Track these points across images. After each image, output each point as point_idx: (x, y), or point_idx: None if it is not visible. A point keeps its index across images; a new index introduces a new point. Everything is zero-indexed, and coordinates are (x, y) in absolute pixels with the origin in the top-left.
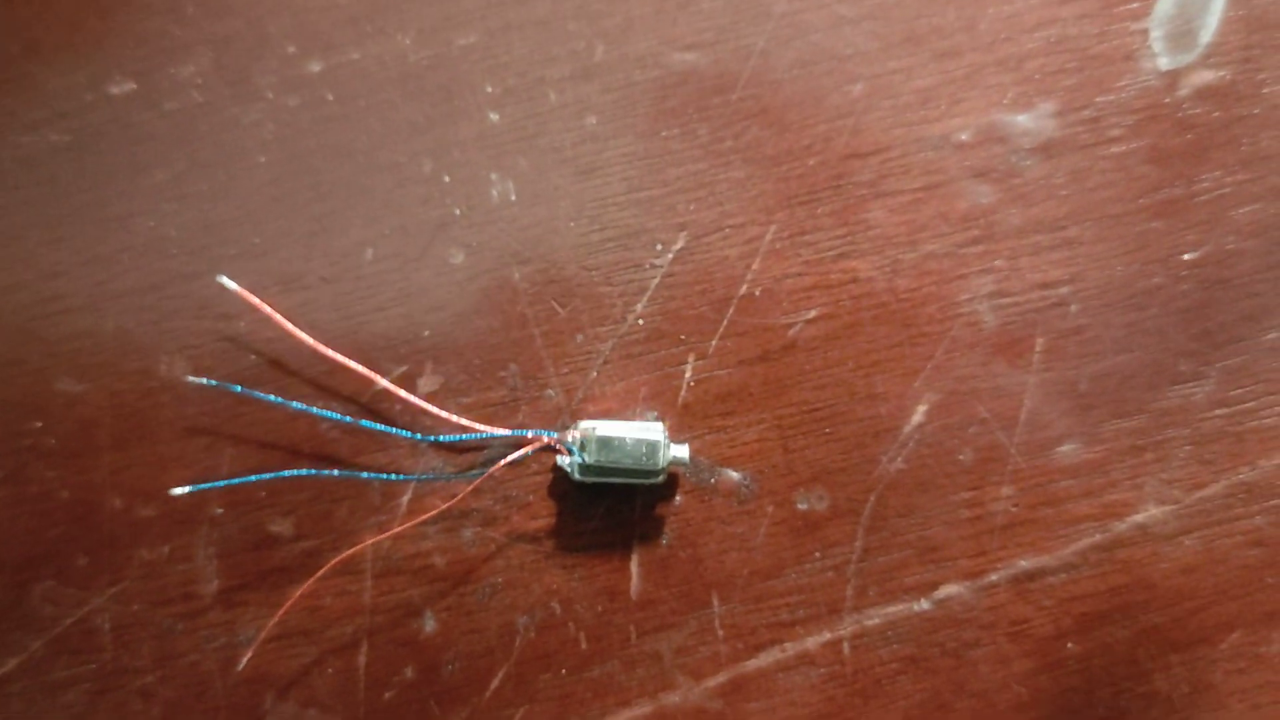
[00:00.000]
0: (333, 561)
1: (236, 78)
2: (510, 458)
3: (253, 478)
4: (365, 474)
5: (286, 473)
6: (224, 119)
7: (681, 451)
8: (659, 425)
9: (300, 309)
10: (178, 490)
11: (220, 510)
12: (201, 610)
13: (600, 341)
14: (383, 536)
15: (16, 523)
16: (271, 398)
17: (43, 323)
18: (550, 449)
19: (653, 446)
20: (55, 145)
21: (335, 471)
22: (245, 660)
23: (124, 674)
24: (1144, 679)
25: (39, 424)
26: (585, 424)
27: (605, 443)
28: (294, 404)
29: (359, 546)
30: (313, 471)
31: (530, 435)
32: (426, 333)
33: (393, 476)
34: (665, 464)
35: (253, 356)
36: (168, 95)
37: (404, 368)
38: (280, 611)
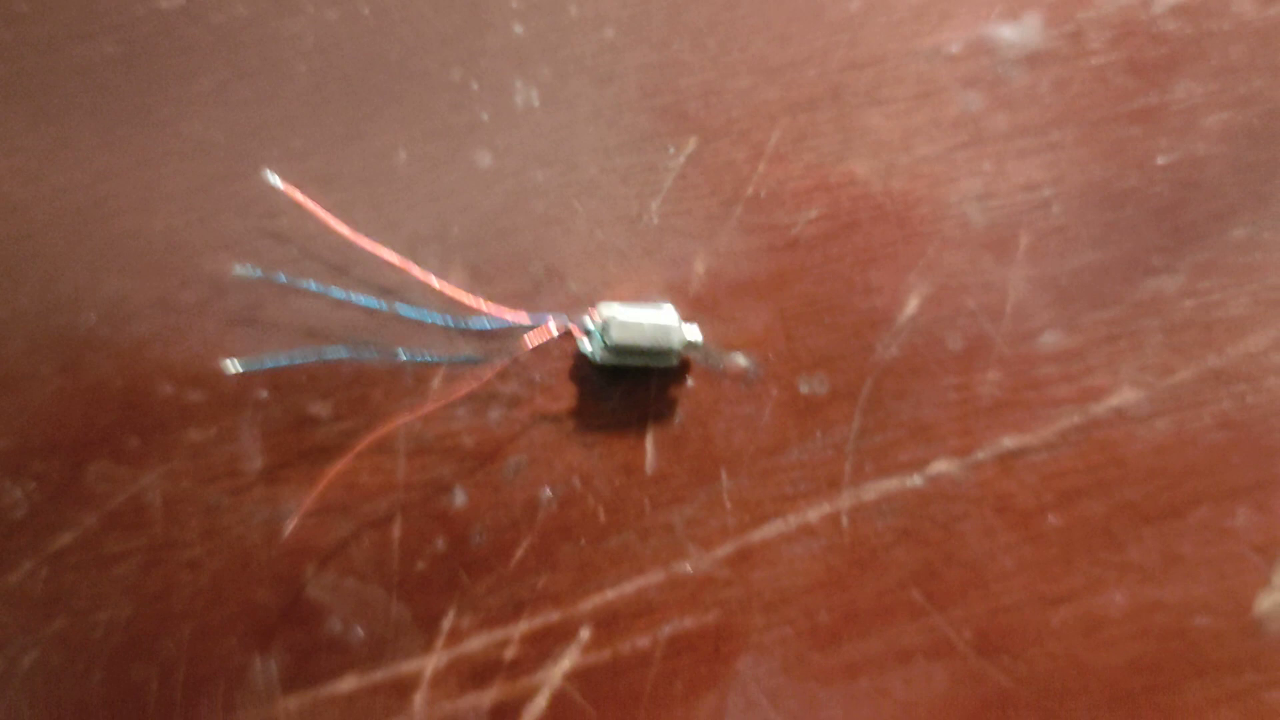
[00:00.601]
0: (368, 439)
1: None
2: (534, 340)
3: (298, 360)
4: (401, 354)
5: (329, 354)
6: (267, 31)
7: (693, 332)
8: (673, 310)
9: (338, 208)
10: (229, 365)
11: (264, 394)
12: (246, 487)
13: (618, 238)
14: (414, 416)
15: (73, 409)
16: (312, 285)
17: (95, 223)
18: (571, 335)
19: (667, 329)
20: (107, 56)
21: (374, 352)
22: (288, 530)
23: (173, 547)
24: (1119, 549)
25: (93, 317)
26: (604, 307)
27: (623, 325)
28: (334, 291)
29: (392, 424)
30: (352, 354)
31: (552, 319)
32: (456, 230)
33: (425, 357)
34: (679, 345)
35: (294, 251)
36: (214, 9)
37: (435, 262)
38: (320, 485)
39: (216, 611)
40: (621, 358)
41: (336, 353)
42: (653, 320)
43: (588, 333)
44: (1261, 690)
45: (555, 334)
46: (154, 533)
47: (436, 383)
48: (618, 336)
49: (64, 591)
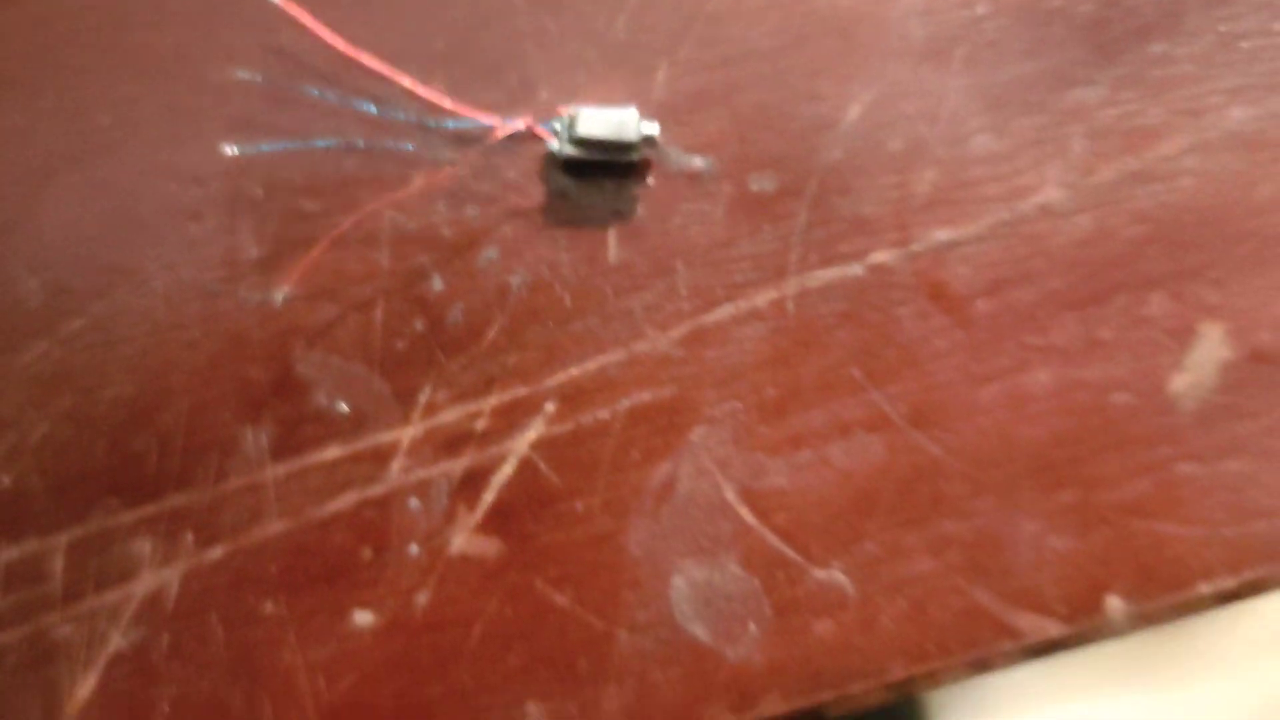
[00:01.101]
0: (351, 220)
1: None
2: (506, 132)
3: (292, 145)
4: (386, 143)
5: (319, 142)
6: None
7: (652, 127)
8: (633, 108)
9: (333, 24)
10: (227, 149)
11: (260, 191)
12: (241, 274)
13: (586, 51)
14: (390, 201)
15: (81, 206)
16: (309, 90)
17: (111, 35)
18: (541, 141)
19: (627, 121)
20: None
21: (360, 142)
22: (276, 311)
23: (173, 329)
24: (1042, 333)
25: (106, 120)
26: (570, 107)
27: (587, 118)
28: (328, 95)
29: (372, 207)
30: (341, 142)
31: (523, 121)
32: (439, 44)
33: (408, 146)
34: (639, 138)
35: (292, 63)
36: None
37: (419, 73)
38: (305, 264)
39: (212, 388)
40: (586, 151)
41: (325, 141)
42: (615, 117)
43: (555, 133)
44: (1173, 462)
45: (523, 128)
46: (156, 318)
47: (418, 178)
48: (582, 129)
49: (73, 371)
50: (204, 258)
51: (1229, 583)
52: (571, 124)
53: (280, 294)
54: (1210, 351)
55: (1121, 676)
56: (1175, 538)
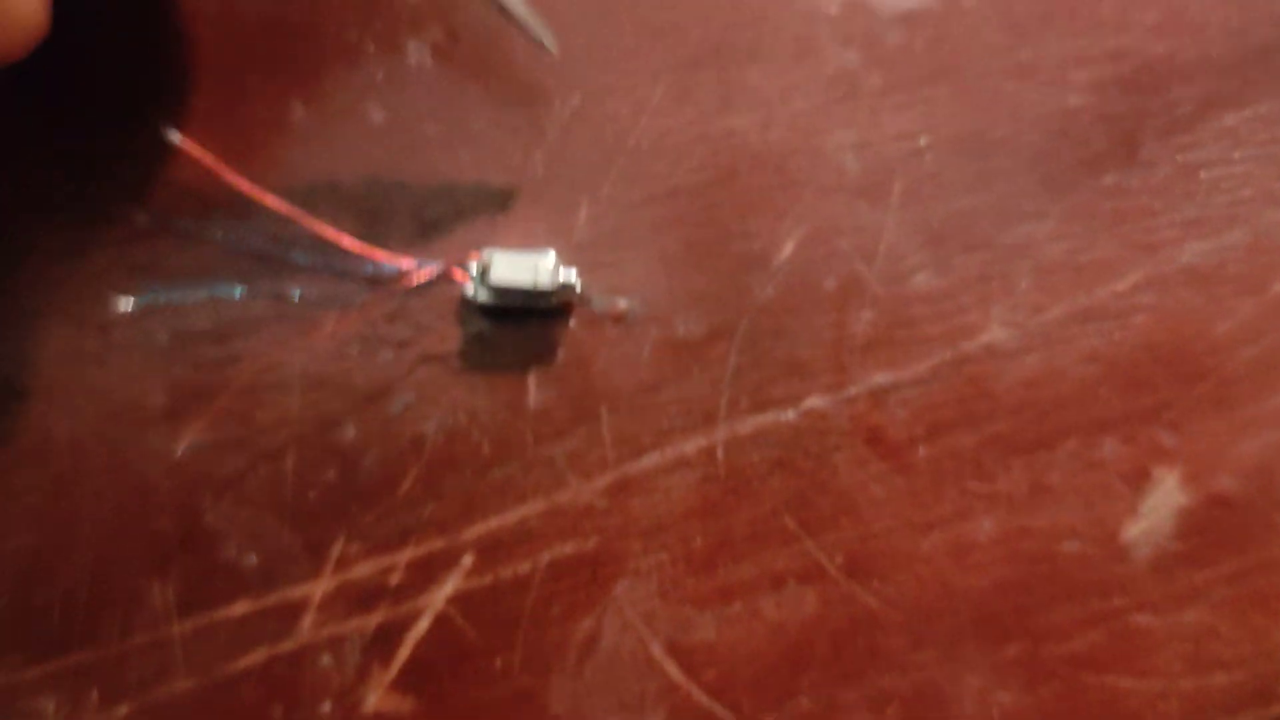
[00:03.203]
0: (258, 369)
1: None
2: (418, 278)
3: (190, 291)
4: (292, 293)
5: (219, 290)
6: None
7: (571, 275)
8: (551, 252)
9: (236, 161)
10: (123, 304)
11: (164, 338)
12: (150, 422)
13: (504, 188)
14: (306, 350)
15: None
16: (211, 235)
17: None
18: (455, 282)
19: (544, 269)
20: None
21: (266, 290)
22: (183, 461)
23: (78, 477)
24: (988, 479)
25: (2, 261)
26: (485, 250)
27: (502, 266)
28: (231, 238)
29: (282, 356)
30: (243, 291)
31: (437, 263)
32: (348, 180)
33: (316, 301)
34: (557, 286)
35: (194, 202)
36: None
37: (328, 210)
38: (210, 414)
39: (118, 540)
40: (502, 299)
41: (228, 290)
42: (531, 263)
43: (471, 276)
44: (1128, 613)
45: (436, 272)
46: (60, 466)
47: (328, 324)
48: (496, 277)
49: None
50: (108, 406)
51: None
52: (485, 270)
53: (187, 443)
54: (1166, 497)
55: None
56: (1130, 692)
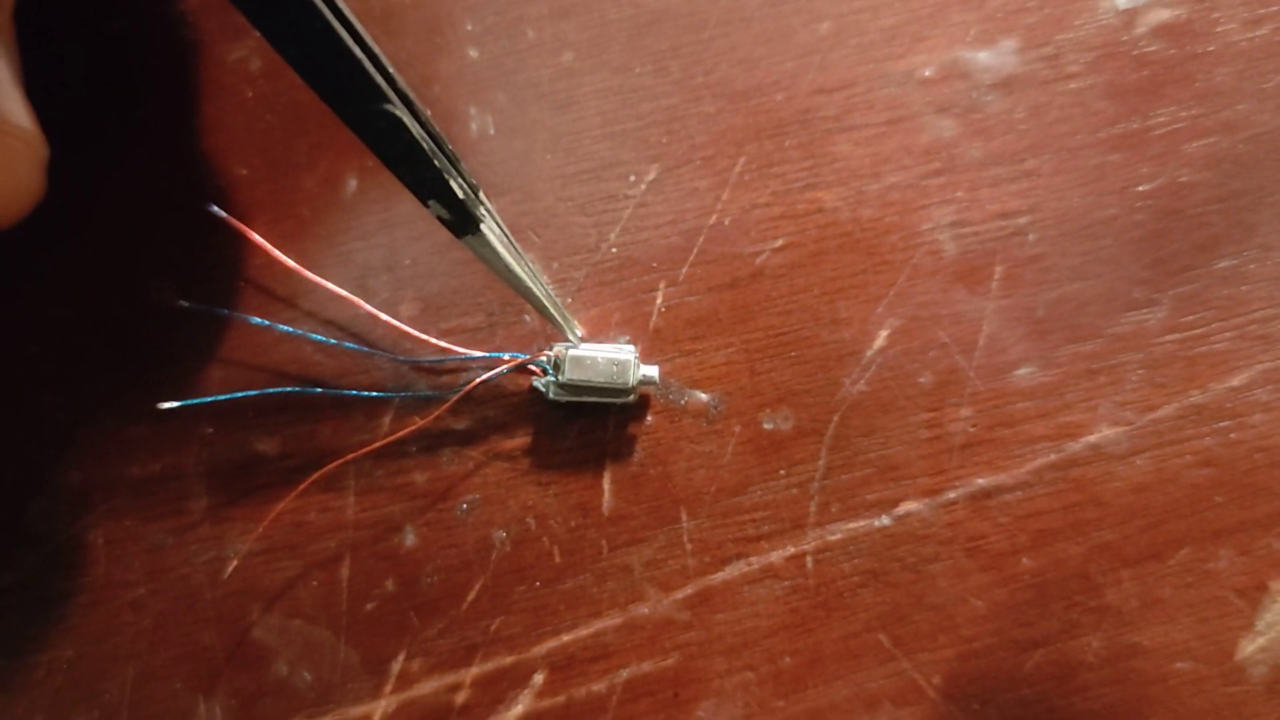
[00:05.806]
0: (314, 475)
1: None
2: (487, 375)
3: (239, 394)
4: (349, 391)
5: (272, 390)
6: (213, 56)
7: (651, 371)
8: (630, 347)
9: (285, 239)
10: (165, 405)
11: (210, 430)
12: (191, 525)
13: (575, 269)
14: (362, 452)
15: (13, 444)
16: (258, 319)
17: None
18: (526, 370)
19: (623, 365)
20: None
21: (319, 389)
22: (230, 570)
23: (116, 587)
24: (1095, 593)
25: (35, 350)
26: (559, 345)
27: (578, 362)
28: (280, 326)
29: (340, 460)
30: (297, 389)
31: (507, 356)
32: (408, 261)
33: (374, 394)
34: (635, 383)
35: (240, 283)
36: (159, 32)
37: (386, 294)
38: (263, 524)
39: (160, 654)
40: (576, 395)
41: (282, 388)
42: (608, 357)
43: (543, 370)
44: None
45: (506, 370)
46: (96, 572)
47: (388, 419)
48: (572, 374)
49: (4, 633)
50: (148, 505)
51: None
52: (558, 363)
53: (234, 549)
54: None
55: None
56: None
